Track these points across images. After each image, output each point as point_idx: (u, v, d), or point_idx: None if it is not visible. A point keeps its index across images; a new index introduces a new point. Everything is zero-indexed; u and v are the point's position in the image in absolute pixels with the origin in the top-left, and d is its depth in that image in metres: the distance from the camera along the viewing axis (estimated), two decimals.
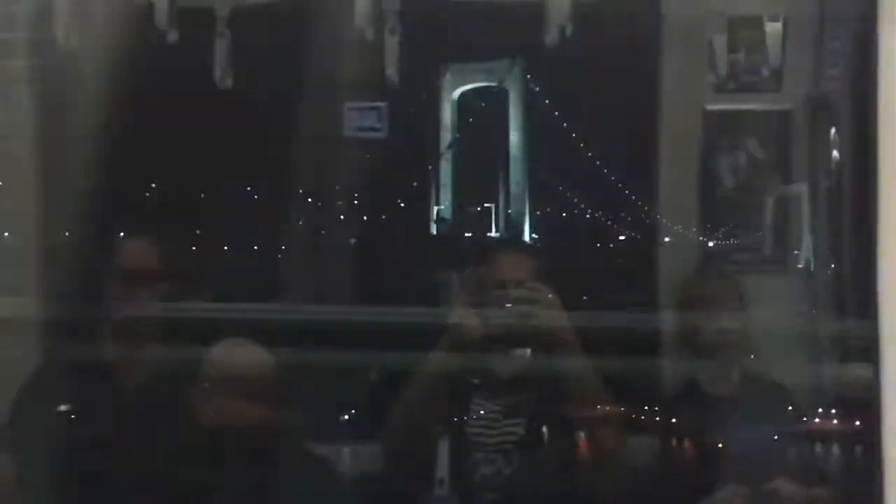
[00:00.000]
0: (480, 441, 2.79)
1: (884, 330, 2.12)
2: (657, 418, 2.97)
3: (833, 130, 2.67)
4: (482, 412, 2.81)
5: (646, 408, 2.97)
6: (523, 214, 5.09)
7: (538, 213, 3.27)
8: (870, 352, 2.17)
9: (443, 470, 2.69)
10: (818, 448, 2.65)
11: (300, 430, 2.81)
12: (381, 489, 2.80)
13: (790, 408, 2.75)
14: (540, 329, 2.76)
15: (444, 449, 2.72)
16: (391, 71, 2.74)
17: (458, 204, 5.43)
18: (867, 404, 2.21)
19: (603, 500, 2.77)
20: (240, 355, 2.67)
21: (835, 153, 2.64)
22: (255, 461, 2.60)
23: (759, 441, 2.66)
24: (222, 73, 2.86)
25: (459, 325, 2.72)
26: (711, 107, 3.06)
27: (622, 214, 3.27)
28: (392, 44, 2.67)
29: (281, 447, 2.67)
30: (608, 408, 2.72)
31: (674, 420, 2.90)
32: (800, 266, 2.90)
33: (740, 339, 2.86)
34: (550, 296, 2.75)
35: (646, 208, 3.21)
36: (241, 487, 2.59)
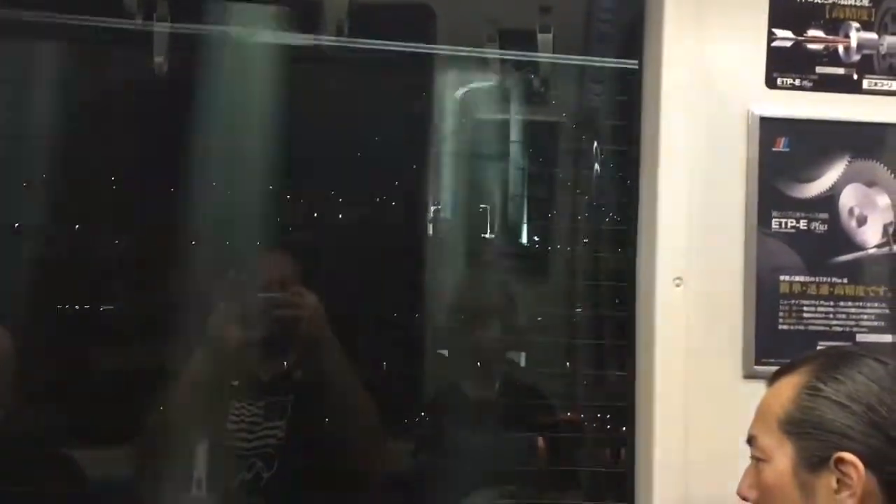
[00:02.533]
0: (241, 444, 2.75)
1: (639, 336, 2.21)
2: (417, 421, 3.00)
3: (595, 145, 2.75)
4: (242, 415, 2.77)
5: (407, 411, 2.99)
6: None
7: (306, 215, 3.24)
8: (628, 360, 2.26)
9: (200, 472, 2.62)
10: (571, 450, 2.72)
11: (47, 429, 2.68)
12: (135, 493, 2.70)
13: (546, 411, 2.81)
14: (301, 332, 2.75)
15: (202, 452, 2.66)
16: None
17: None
18: (622, 406, 2.30)
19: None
20: None
21: (596, 167, 2.72)
22: None
23: (512, 444, 2.71)
24: None
25: (218, 328, 2.66)
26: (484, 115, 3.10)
27: (389, 218, 3.27)
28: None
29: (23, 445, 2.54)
30: (370, 410, 2.72)
31: (432, 423, 2.92)
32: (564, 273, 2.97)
33: (501, 343, 2.91)
34: (312, 298, 2.74)
35: (416, 213, 3.21)
36: None
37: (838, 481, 1.54)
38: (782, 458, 1.59)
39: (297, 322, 2.75)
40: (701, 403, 2.12)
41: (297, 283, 2.79)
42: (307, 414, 2.78)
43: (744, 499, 1.69)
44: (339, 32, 2.55)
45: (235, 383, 2.79)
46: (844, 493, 1.54)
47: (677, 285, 2.14)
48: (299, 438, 2.77)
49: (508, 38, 2.83)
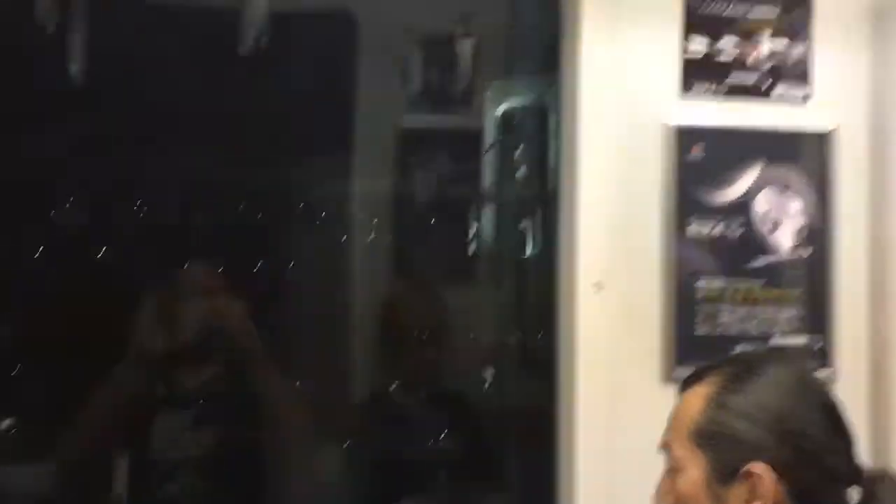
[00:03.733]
0: (166, 455, 2.73)
1: (560, 341, 2.24)
2: (346, 427, 2.99)
3: (520, 149, 2.78)
4: (168, 425, 2.75)
5: (335, 417, 2.98)
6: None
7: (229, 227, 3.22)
8: (549, 365, 2.28)
9: (121, 487, 2.60)
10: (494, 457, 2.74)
11: None
12: None
13: (470, 420, 2.82)
14: (228, 340, 2.73)
15: (122, 465, 2.63)
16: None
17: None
18: (545, 416, 2.32)
19: None
20: None
21: (521, 170, 2.75)
22: None
23: (437, 451, 2.73)
24: None
25: (142, 338, 2.64)
26: (407, 123, 3.10)
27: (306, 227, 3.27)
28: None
29: None
30: (298, 417, 2.71)
31: (360, 429, 2.92)
32: (489, 280, 2.99)
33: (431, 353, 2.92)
34: (239, 307, 2.72)
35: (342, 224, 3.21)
36: None
37: (749, 492, 1.56)
38: (695, 468, 1.60)
39: (223, 331, 2.73)
40: (622, 408, 2.15)
41: (223, 292, 2.77)
42: (235, 424, 2.77)
43: None
44: (257, 42, 2.54)
45: (161, 393, 2.76)
46: None
47: (597, 291, 2.17)
48: (226, 448, 2.75)
49: (431, 45, 2.85)
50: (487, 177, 2.95)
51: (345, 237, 3.14)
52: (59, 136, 2.80)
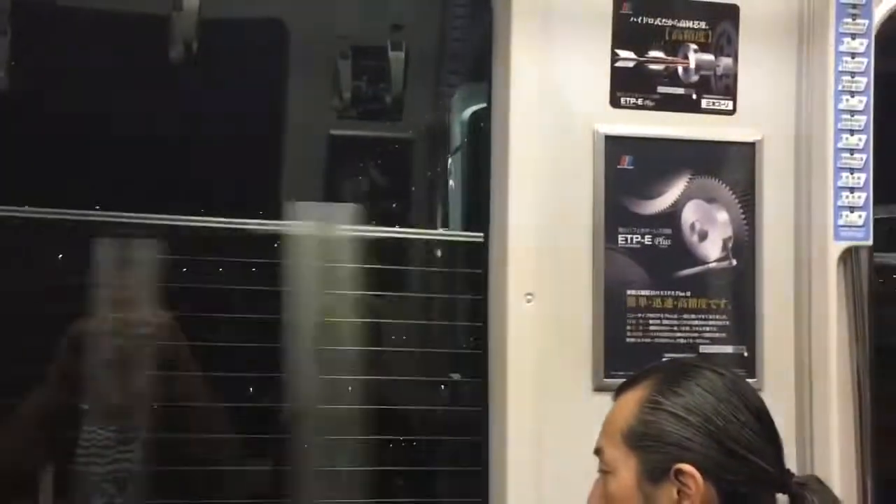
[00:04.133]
0: (91, 470, 2.69)
1: (492, 350, 2.25)
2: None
3: (449, 159, 2.79)
4: (93, 440, 2.71)
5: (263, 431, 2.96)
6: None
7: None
8: (481, 375, 2.29)
9: (46, 501, 2.55)
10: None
11: None
12: None
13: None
14: (157, 352, 2.70)
15: (47, 480, 2.59)
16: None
17: None
18: (476, 424, 2.33)
19: None
20: None
21: (451, 182, 2.76)
22: None
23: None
24: None
25: (69, 349, 2.60)
26: (335, 132, 3.10)
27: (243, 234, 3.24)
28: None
29: None
30: (224, 431, 2.69)
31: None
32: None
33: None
34: (166, 318, 2.70)
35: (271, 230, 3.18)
36: None
37: (679, 492, 1.59)
38: (626, 470, 1.63)
39: (152, 342, 2.70)
40: (553, 416, 2.16)
41: (150, 304, 2.74)
42: (162, 437, 2.73)
43: None
44: (187, 49, 2.52)
45: (86, 407, 2.72)
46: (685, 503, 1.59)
47: (528, 301, 2.17)
48: (154, 462, 2.72)
49: (361, 55, 2.85)
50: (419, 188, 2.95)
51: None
52: None
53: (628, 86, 2.26)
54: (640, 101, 2.27)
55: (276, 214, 3.04)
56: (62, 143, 2.85)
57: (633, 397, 1.67)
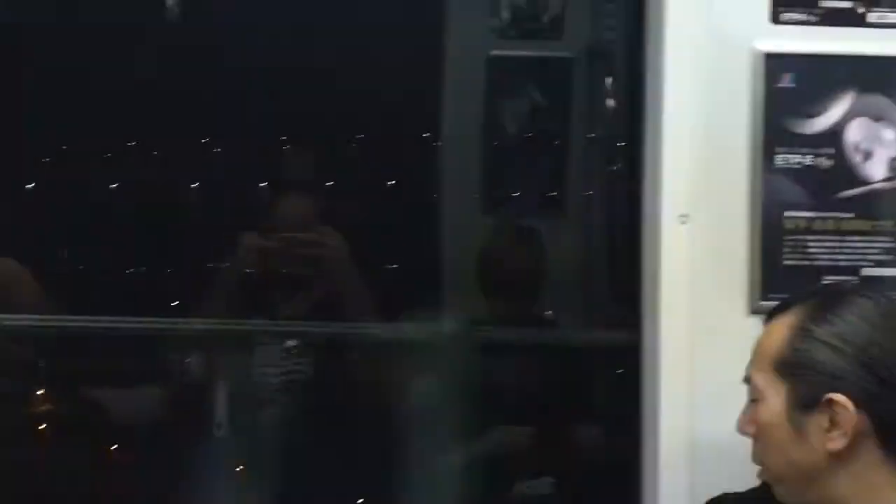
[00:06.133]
0: (264, 381, 2.81)
1: (644, 274, 2.23)
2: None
3: (609, 79, 2.75)
4: (268, 353, 2.83)
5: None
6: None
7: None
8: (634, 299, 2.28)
9: (221, 412, 2.69)
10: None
11: None
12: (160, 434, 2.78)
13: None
14: (326, 271, 2.79)
15: (223, 391, 2.72)
16: None
17: None
18: (631, 349, 2.32)
19: (385, 440, 2.83)
20: None
21: (610, 101, 2.73)
22: None
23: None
24: None
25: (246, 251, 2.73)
26: (495, 52, 3.09)
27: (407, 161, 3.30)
28: None
29: None
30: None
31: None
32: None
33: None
34: (337, 239, 2.78)
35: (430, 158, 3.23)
36: None
37: (830, 421, 1.57)
38: (776, 397, 1.62)
39: (320, 261, 2.79)
40: (707, 340, 2.15)
41: (319, 223, 2.82)
42: (332, 352, 2.83)
43: (743, 433, 1.72)
44: None
45: (260, 321, 2.84)
46: (835, 433, 1.56)
47: (682, 223, 2.15)
48: (324, 375, 2.83)
49: None
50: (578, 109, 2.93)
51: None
52: None
53: (790, 1, 2.18)
54: (802, 17, 2.18)
55: None
56: None
57: (784, 323, 1.65)
